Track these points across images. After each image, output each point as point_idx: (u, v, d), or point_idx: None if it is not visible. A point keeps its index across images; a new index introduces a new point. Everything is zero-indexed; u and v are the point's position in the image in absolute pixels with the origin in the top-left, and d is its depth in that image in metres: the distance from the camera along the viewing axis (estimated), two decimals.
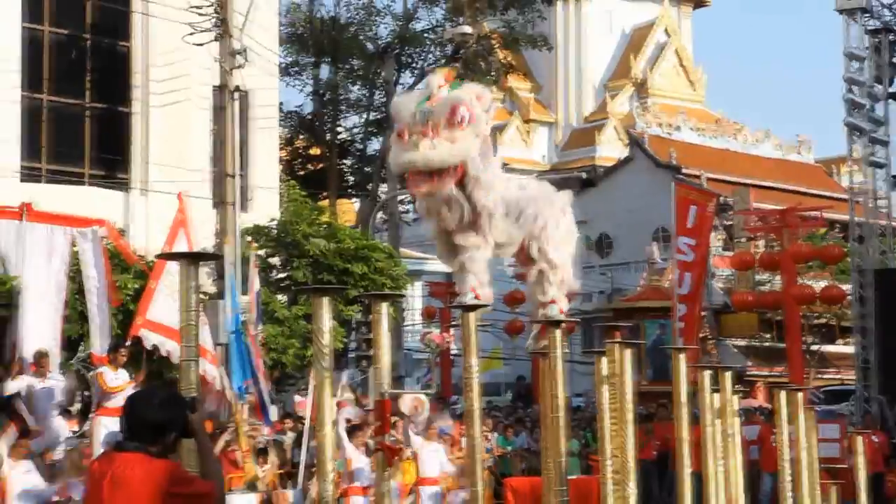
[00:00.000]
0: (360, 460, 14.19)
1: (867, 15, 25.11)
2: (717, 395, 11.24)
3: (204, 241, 18.49)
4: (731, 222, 41.23)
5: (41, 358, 14.15)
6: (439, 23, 38.52)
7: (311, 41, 37.39)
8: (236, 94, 20.70)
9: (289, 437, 17.81)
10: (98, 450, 12.92)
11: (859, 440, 14.89)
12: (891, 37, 25.71)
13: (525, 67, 52.07)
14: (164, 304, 14.18)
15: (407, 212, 37.13)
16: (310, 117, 38.80)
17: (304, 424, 16.06)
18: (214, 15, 20.37)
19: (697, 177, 42.88)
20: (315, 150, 40.01)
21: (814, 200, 40.24)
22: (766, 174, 49.61)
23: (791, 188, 47.98)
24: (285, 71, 36.31)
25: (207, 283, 18.25)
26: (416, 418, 15.87)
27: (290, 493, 15.39)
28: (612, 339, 10.02)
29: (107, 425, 13.26)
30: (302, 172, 38.40)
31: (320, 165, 39.07)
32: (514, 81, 53.31)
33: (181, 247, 14.92)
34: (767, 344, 39.67)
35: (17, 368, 14.32)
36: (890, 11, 25.77)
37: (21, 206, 15.36)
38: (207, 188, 22.24)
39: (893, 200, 26.71)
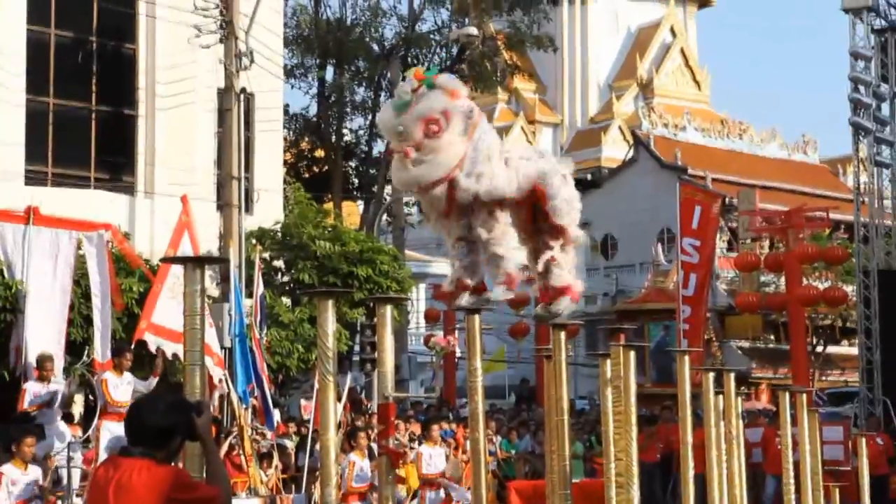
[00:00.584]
0: (361, 463, 14.22)
1: (873, 14, 25.10)
2: (720, 397, 11.25)
3: (208, 243, 18.50)
4: (735, 223, 41.20)
5: (45, 362, 14.17)
6: (445, 24, 38.58)
7: (316, 43, 37.44)
8: (241, 97, 20.75)
9: (292, 441, 17.83)
10: (102, 455, 12.95)
11: (863, 442, 14.87)
12: None
13: (530, 68, 52.10)
14: (168, 308, 14.19)
15: (411, 214, 37.14)
16: (315, 119, 38.83)
17: (307, 428, 16.09)
18: (219, 17, 20.42)
19: (702, 177, 42.84)
20: (320, 153, 40.04)
21: (819, 201, 40.18)
22: (772, 174, 49.54)
23: (796, 188, 47.91)
24: (290, 73, 36.36)
25: (211, 286, 18.27)
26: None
27: (293, 498, 15.42)
28: (616, 342, 10.02)
29: (111, 430, 13.28)
30: (306, 175, 38.43)
31: (325, 168, 39.10)
32: (519, 82, 53.32)
33: (185, 250, 14.93)
34: (771, 345, 39.63)
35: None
36: None
37: (27, 210, 15.39)
38: (212, 191, 22.26)
39: None
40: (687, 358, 10.68)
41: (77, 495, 13.54)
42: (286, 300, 22.37)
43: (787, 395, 12.79)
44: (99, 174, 23.08)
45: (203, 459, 5.47)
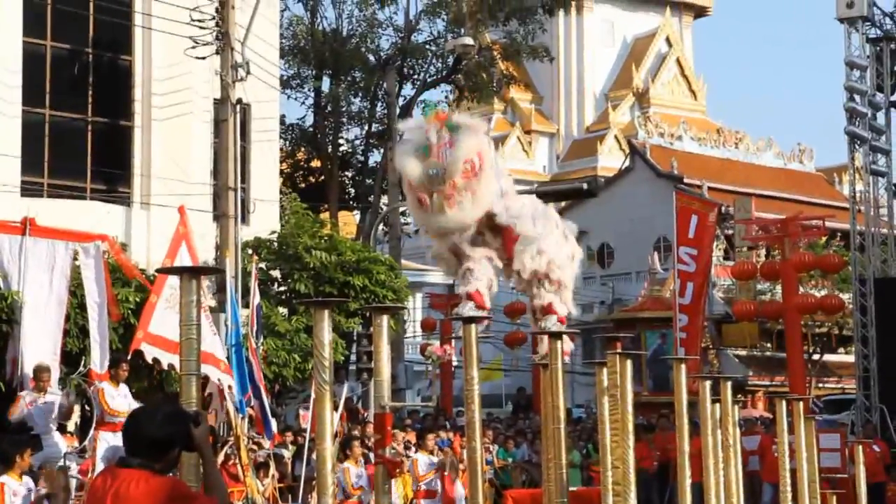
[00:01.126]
0: (357, 470, 14.24)
1: (868, 23, 25.13)
2: (717, 405, 11.26)
3: (204, 254, 18.51)
4: (731, 231, 41.25)
5: (41, 373, 14.15)
6: (441, 34, 38.61)
7: (312, 53, 37.47)
8: (237, 108, 20.76)
9: (289, 451, 17.82)
10: (99, 465, 12.93)
11: (860, 450, 14.90)
12: (892, 45, 25.73)
13: (526, 78, 52.20)
14: (165, 318, 14.19)
15: (408, 224, 37.17)
16: (311, 130, 38.86)
17: (304, 437, 16.09)
18: (215, 28, 20.44)
19: (699, 186, 42.91)
20: (316, 163, 40.06)
21: (815, 209, 40.24)
22: (768, 183, 49.62)
23: (792, 197, 47.99)
24: (286, 84, 36.40)
25: (208, 296, 18.27)
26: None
27: None
28: (613, 350, 10.04)
29: (107, 440, 13.27)
30: (303, 185, 38.45)
31: (321, 178, 39.12)
32: (515, 92, 53.41)
33: (182, 260, 14.93)
34: (768, 353, 39.65)
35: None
36: (891, 20, 25.80)
37: (23, 221, 15.38)
38: (208, 201, 22.27)
39: (895, 209, 26.71)
40: (683, 366, 10.70)
41: None
42: (282, 310, 22.36)
43: (784, 402, 12.82)
44: (95, 185, 23.07)
45: (200, 469, 5.48)
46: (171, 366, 14.64)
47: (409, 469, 15.45)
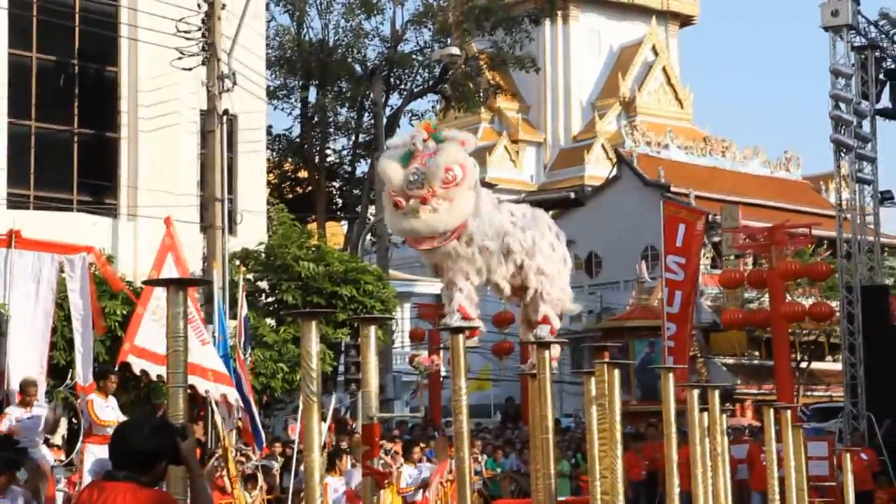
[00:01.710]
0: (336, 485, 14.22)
1: (853, 32, 25.20)
2: (705, 414, 11.26)
3: (191, 265, 18.46)
4: (718, 239, 41.32)
5: (28, 387, 14.07)
6: (427, 44, 38.65)
7: (298, 64, 37.48)
8: (224, 118, 20.74)
9: (277, 462, 17.77)
10: (86, 478, 12.87)
11: (848, 458, 14.91)
12: (877, 53, 25.81)
13: (513, 88, 52.26)
14: (151, 331, 14.14)
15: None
16: (298, 140, 38.84)
17: (292, 449, 16.04)
18: (201, 39, 20.43)
19: (686, 195, 42.98)
20: (303, 173, 40.04)
21: (802, 217, 40.31)
22: (755, 191, 49.73)
23: (779, 205, 48.09)
24: (273, 94, 36.39)
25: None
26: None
27: None
28: (601, 359, 10.04)
29: (95, 453, 13.21)
30: (290, 196, 38.43)
31: (308, 188, 39.10)
32: (501, 102, 53.47)
33: (169, 272, 14.89)
34: (756, 362, 39.68)
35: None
36: (876, 28, 25.88)
37: (8, 233, 15.31)
38: (195, 212, 22.23)
39: (881, 216, 26.78)
40: (671, 375, 10.69)
41: None
42: (270, 321, 22.32)
43: (772, 411, 12.82)
44: (81, 197, 23.03)
45: (185, 482, 5.46)
46: (159, 377, 14.59)
47: (396, 480, 15.43)
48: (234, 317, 17.63)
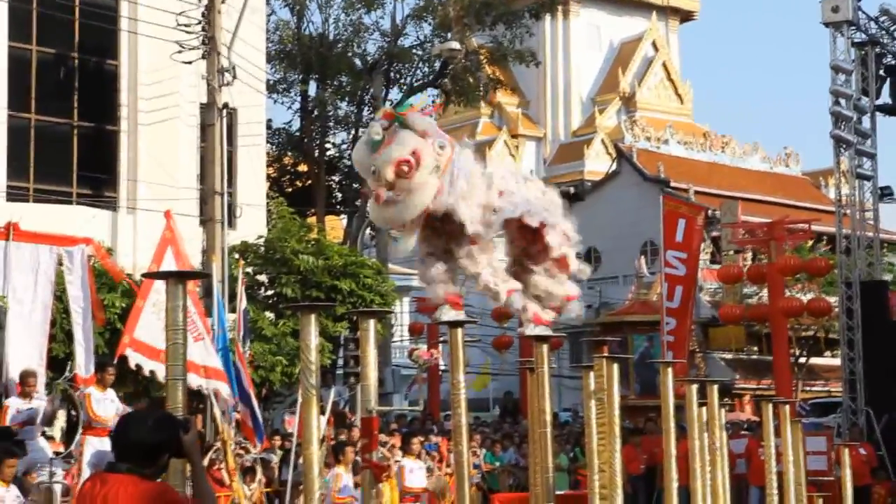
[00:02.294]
0: (346, 477, 14.21)
1: (853, 28, 25.19)
2: (704, 409, 11.27)
3: (191, 258, 18.46)
4: (718, 235, 41.31)
5: (28, 378, 14.09)
6: (427, 39, 38.62)
7: (298, 58, 37.43)
8: (224, 112, 20.74)
9: (276, 455, 17.78)
10: (85, 470, 12.89)
11: (846, 452, 14.93)
12: (877, 49, 25.81)
13: (513, 82, 52.18)
14: (150, 324, 14.15)
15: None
16: (297, 134, 38.82)
17: (291, 442, 16.06)
18: (202, 32, 20.42)
19: (685, 190, 42.94)
20: (303, 167, 40.02)
21: (801, 213, 40.33)
22: (754, 187, 49.73)
23: (778, 201, 48.09)
24: (273, 88, 36.35)
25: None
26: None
27: None
28: (600, 354, 10.05)
29: (94, 445, 13.23)
30: (290, 189, 38.40)
31: (308, 182, 39.08)
32: (501, 96, 53.43)
33: (169, 265, 14.89)
34: (755, 357, 39.70)
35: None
36: (876, 24, 25.88)
37: (7, 226, 15.32)
38: (195, 205, 22.23)
39: (880, 212, 26.78)
40: (670, 370, 10.71)
41: None
42: (269, 314, 22.33)
43: (771, 406, 12.84)
44: (81, 190, 23.03)
45: (185, 475, 5.47)
46: (151, 373, 14.60)
47: (395, 474, 15.43)
48: (233, 310, 17.64)
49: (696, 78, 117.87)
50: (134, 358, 14.40)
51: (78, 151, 23.22)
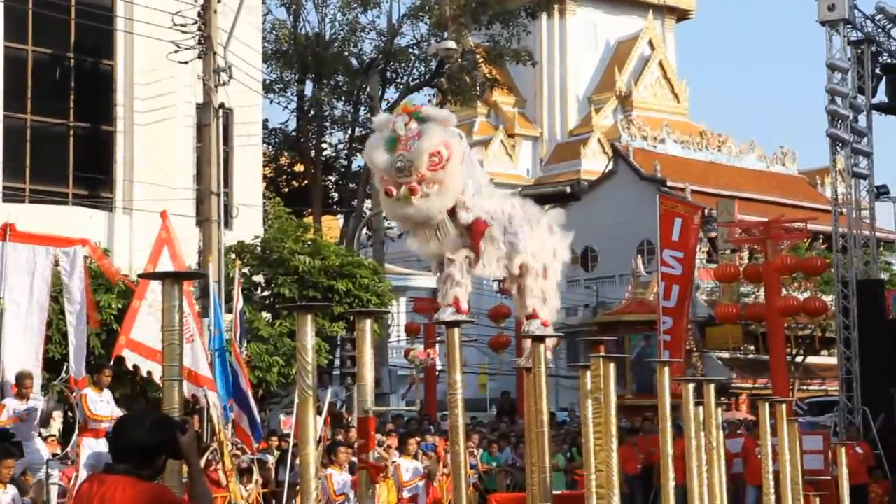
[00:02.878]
0: (340, 477, 14.20)
1: (849, 26, 25.20)
2: (700, 408, 11.27)
3: (187, 259, 18.45)
4: (714, 234, 41.34)
5: (24, 379, 14.07)
6: (424, 38, 38.64)
7: (294, 58, 37.44)
8: (220, 112, 20.72)
9: (273, 456, 17.76)
10: (82, 471, 12.88)
11: (843, 451, 14.93)
12: (873, 48, 25.83)
13: (509, 82, 52.20)
14: (147, 324, 14.13)
15: (391, 228, 37.14)
16: (294, 134, 38.81)
17: (288, 443, 16.03)
18: (197, 33, 20.40)
19: (682, 189, 42.96)
20: (299, 167, 40.02)
21: (797, 211, 40.35)
22: (751, 186, 49.78)
23: (775, 200, 48.13)
24: (269, 88, 36.35)
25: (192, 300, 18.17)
26: None
27: None
28: (597, 353, 10.05)
29: (91, 447, 13.21)
30: (286, 189, 38.41)
31: (304, 182, 39.08)
32: (498, 96, 53.43)
33: (165, 265, 14.88)
34: (751, 356, 39.74)
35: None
36: (872, 23, 25.89)
37: (3, 227, 15.30)
38: (191, 206, 22.21)
39: (876, 211, 26.81)
40: (667, 369, 10.71)
41: None
42: (266, 315, 22.31)
43: (767, 405, 12.85)
44: (77, 190, 23.00)
45: (182, 476, 5.46)
46: (149, 373, 14.58)
47: (392, 474, 15.42)
48: (229, 310, 17.62)
49: (692, 77, 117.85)
50: (131, 358, 14.38)
51: (74, 152, 23.19)
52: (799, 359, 38.58)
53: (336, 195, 40.58)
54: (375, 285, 23.74)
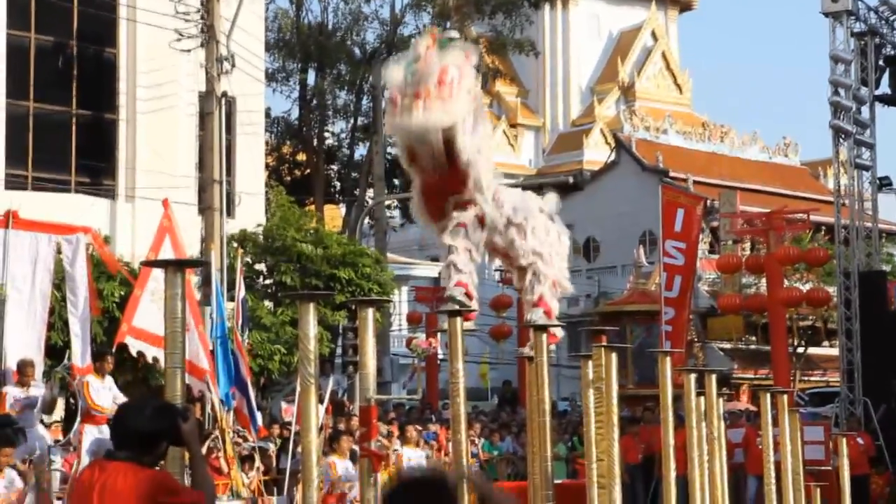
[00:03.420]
0: (343, 464, 14.22)
1: (853, 18, 25.15)
2: (702, 399, 11.27)
3: (190, 247, 18.47)
4: (716, 224, 41.34)
5: (26, 367, 14.09)
6: (426, 28, 38.55)
7: (297, 47, 37.41)
8: (223, 101, 20.72)
9: (274, 444, 17.79)
10: (84, 458, 12.91)
11: (844, 442, 14.94)
12: (876, 40, 25.78)
13: (512, 72, 52.17)
14: (149, 312, 14.15)
15: (393, 217, 37.16)
16: (296, 123, 38.80)
17: (289, 431, 16.06)
18: (200, 21, 20.39)
19: (684, 180, 42.96)
20: (301, 156, 40.01)
21: (800, 203, 40.33)
22: (753, 177, 49.75)
23: (777, 191, 48.11)
24: (272, 77, 36.33)
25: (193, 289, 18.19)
26: None
27: (275, 500, 15.39)
28: (598, 343, 10.05)
29: (93, 434, 13.24)
30: (288, 178, 38.42)
31: (307, 171, 39.08)
32: (500, 86, 53.41)
33: (166, 253, 14.89)
34: (753, 347, 39.75)
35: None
36: (876, 14, 25.84)
37: (5, 214, 15.31)
38: (193, 194, 22.23)
39: (879, 203, 26.78)
40: (668, 359, 10.71)
41: (57, 498, 13.50)
42: (268, 303, 22.34)
43: (769, 395, 12.85)
44: (80, 178, 23.02)
45: (184, 463, 5.47)
46: (155, 359, 14.61)
47: (394, 463, 15.45)
48: (231, 299, 17.64)
49: (695, 68, 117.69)
50: (135, 345, 14.40)
51: (76, 139, 23.21)
52: (800, 350, 38.60)
53: (338, 184, 40.58)
54: (377, 274, 23.77)
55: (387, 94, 9.81)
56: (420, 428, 18.32)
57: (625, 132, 49.67)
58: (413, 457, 15.81)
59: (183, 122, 23.27)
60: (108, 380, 13.97)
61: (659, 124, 51.41)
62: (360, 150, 39.53)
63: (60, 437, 14.86)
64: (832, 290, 27.42)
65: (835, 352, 30.46)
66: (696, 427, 10.91)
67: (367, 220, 35.13)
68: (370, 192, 36.70)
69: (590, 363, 9.75)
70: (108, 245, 18.47)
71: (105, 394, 13.78)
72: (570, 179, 50.28)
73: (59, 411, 16.73)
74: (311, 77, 38.30)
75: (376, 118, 34.32)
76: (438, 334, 26.97)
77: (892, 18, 26.10)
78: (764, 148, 54.31)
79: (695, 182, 43.32)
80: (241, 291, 17.45)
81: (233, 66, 20.64)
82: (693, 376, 11.14)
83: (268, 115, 33.81)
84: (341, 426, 16.65)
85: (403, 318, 38.12)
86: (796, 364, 36.26)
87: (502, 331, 32.38)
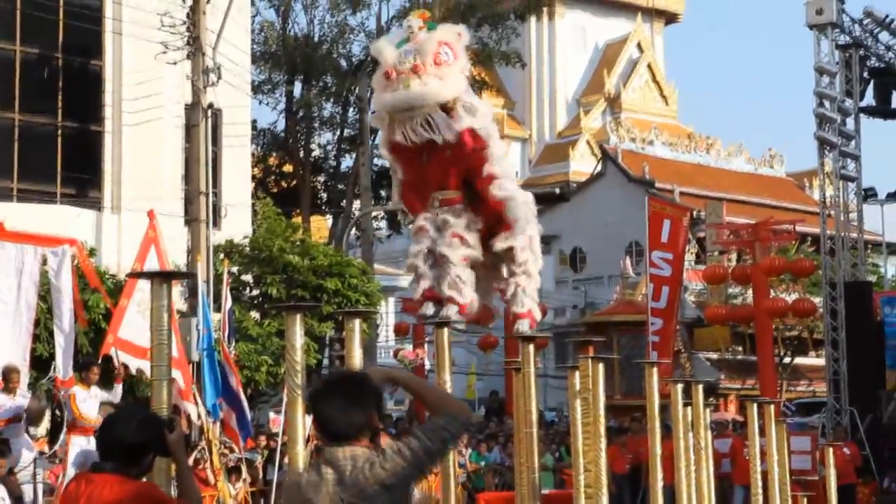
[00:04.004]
0: None
1: (837, 30, 25.27)
2: (689, 409, 11.28)
3: (176, 258, 18.43)
4: (703, 235, 41.40)
5: (11, 374, 14.03)
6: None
7: (283, 59, 37.43)
8: (209, 112, 20.71)
9: (261, 455, 17.76)
10: (70, 470, 12.85)
11: (830, 452, 14.95)
12: (861, 52, 25.90)
13: (498, 83, 52.24)
14: (134, 323, 14.10)
15: (380, 228, 37.15)
16: (283, 135, 38.80)
17: (276, 442, 16.03)
18: (186, 33, 20.39)
19: (670, 191, 43.05)
20: (288, 168, 40.00)
21: (785, 214, 40.44)
22: (739, 188, 49.86)
23: (763, 202, 48.23)
24: (258, 89, 36.35)
25: (179, 300, 18.19)
26: None
27: None
28: (585, 354, 10.04)
29: (79, 445, 13.18)
30: (275, 190, 38.41)
31: (293, 183, 39.07)
32: (487, 98, 53.36)
33: (152, 265, 14.86)
34: (740, 357, 39.80)
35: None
36: (860, 27, 25.96)
37: None
38: (179, 206, 22.20)
39: (864, 214, 26.88)
40: (655, 370, 10.71)
41: None
42: (255, 314, 22.31)
43: (755, 405, 12.85)
44: (65, 190, 22.98)
45: (170, 474, 5.45)
46: (139, 371, 14.56)
47: None
48: (218, 310, 17.61)
49: (680, 79, 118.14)
50: (120, 357, 14.35)
51: (62, 151, 23.17)
52: (787, 360, 38.66)
53: (325, 196, 40.57)
54: (364, 285, 23.77)
55: (377, 75, 9.73)
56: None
57: (611, 143, 49.75)
58: None
59: (169, 134, 23.25)
60: (94, 389, 13.93)
61: (645, 135, 51.52)
62: (347, 162, 39.54)
63: (46, 450, 14.78)
64: (818, 300, 27.50)
65: (821, 362, 30.52)
66: (683, 437, 10.91)
67: (353, 231, 35.12)
68: (357, 204, 36.69)
69: (577, 374, 9.74)
70: (94, 257, 18.41)
71: (91, 403, 13.73)
72: (557, 190, 50.32)
73: (46, 423, 16.65)
74: (298, 89, 38.33)
75: (362, 129, 34.34)
76: (425, 345, 27.00)
77: (876, 31, 26.23)
78: (750, 159, 54.46)
79: (681, 193, 43.40)
80: (227, 302, 17.42)
81: (219, 77, 20.63)
82: (680, 386, 11.15)
83: (254, 126, 33.80)
84: None
85: (390, 329, 38.06)
86: (783, 374, 36.33)
87: (489, 341, 32.36)
